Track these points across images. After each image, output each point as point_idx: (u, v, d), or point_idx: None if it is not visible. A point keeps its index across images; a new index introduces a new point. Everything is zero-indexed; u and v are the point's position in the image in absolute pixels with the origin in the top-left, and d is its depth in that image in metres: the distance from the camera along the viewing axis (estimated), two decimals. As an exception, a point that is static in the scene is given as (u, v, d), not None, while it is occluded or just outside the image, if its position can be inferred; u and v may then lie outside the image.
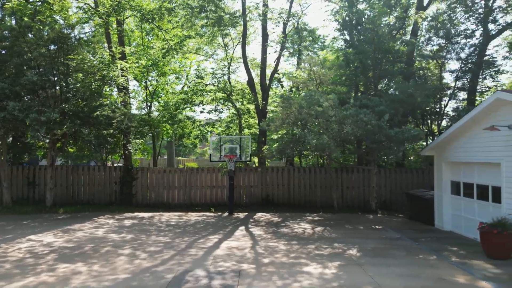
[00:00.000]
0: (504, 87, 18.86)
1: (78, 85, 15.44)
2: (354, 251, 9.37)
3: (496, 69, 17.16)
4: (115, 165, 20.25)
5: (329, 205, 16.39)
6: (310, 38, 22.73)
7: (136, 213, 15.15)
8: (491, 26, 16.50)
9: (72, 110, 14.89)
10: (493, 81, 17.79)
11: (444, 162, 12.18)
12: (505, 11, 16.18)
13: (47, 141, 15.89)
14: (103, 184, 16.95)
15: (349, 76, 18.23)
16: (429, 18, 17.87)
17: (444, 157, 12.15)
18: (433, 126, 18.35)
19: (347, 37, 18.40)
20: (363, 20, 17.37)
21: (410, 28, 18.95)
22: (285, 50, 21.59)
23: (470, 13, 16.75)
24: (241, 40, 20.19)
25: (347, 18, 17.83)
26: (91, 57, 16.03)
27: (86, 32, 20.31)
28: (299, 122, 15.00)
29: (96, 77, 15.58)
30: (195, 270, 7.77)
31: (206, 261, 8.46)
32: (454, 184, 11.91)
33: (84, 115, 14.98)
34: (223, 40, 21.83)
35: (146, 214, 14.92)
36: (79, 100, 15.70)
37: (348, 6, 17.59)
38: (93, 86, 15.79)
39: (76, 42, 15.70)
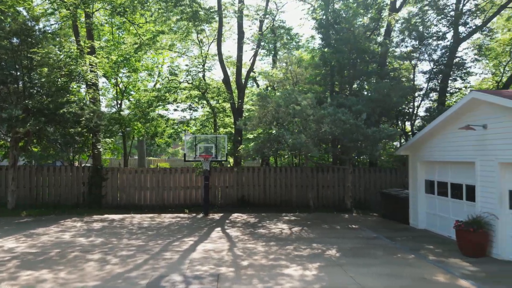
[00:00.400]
0: (472, 89, 19.48)
1: (43, 80, 14.60)
2: (333, 251, 9.27)
3: (465, 71, 17.67)
4: (83, 165, 19.33)
5: (305, 205, 16.34)
6: (287, 37, 22.63)
7: (106, 215, 14.47)
8: (461, 29, 17.02)
9: (36, 107, 14.01)
10: (462, 83, 18.33)
11: (419, 161, 12.33)
12: (475, 15, 16.70)
13: (9, 139, 14.96)
14: (70, 185, 16.13)
15: (325, 76, 18.26)
16: (402, 20, 18.19)
17: (419, 157, 12.30)
18: (406, 126, 18.69)
19: (324, 36, 18.39)
20: (339, 19, 17.42)
21: (383, 29, 19.23)
22: (261, 48, 21.37)
23: (442, 16, 17.17)
24: (216, 37, 19.79)
25: (323, 17, 17.84)
26: (57, 51, 15.19)
27: (52, 25, 19.30)
28: (275, 122, 14.82)
29: (63, 72, 14.80)
30: (170, 275, 7.39)
31: (182, 265, 8.09)
32: (429, 183, 12.08)
33: (49, 112, 14.13)
34: (197, 37, 21.35)
35: (116, 216, 14.27)
36: (44, 96, 14.81)
37: (325, 5, 17.60)
38: (59, 82, 14.97)
39: (41, 35, 14.81)
